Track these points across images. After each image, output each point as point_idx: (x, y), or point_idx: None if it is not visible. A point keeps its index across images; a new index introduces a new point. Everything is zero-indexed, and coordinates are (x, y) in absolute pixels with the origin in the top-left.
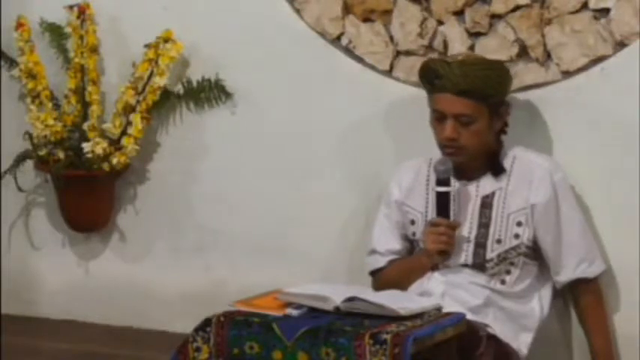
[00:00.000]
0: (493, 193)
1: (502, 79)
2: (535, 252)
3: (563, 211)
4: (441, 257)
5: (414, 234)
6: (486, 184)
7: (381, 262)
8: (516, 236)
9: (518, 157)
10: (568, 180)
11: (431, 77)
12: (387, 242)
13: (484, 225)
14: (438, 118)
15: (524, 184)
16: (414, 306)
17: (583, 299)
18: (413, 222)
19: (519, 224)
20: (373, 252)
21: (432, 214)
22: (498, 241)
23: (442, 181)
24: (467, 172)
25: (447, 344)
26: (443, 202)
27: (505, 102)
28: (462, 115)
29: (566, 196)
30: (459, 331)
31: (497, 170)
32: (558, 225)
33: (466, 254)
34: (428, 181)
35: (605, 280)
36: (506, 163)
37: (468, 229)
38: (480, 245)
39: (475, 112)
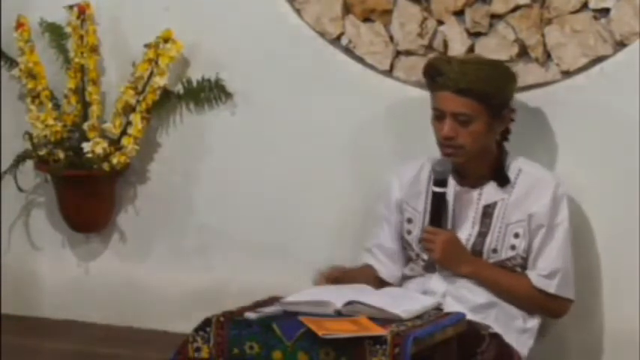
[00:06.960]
0: (495, 203)
1: (505, 81)
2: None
3: (556, 222)
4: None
5: (409, 232)
6: (490, 193)
7: (366, 258)
8: (512, 247)
9: (523, 170)
10: (568, 198)
11: (432, 74)
12: (383, 240)
13: (482, 234)
14: (438, 116)
15: (526, 196)
16: (415, 307)
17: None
18: (410, 220)
19: (517, 236)
20: (367, 250)
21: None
22: (494, 251)
23: (439, 182)
24: (470, 178)
25: (447, 344)
26: (437, 203)
27: (508, 105)
28: (460, 114)
29: (562, 211)
30: (459, 330)
31: (502, 181)
32: (550, 230)
33: None
34: (429, 182)
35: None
36: (511, 175)
37: (467, 236)
38: (476, 254)
39: (473, 112)
